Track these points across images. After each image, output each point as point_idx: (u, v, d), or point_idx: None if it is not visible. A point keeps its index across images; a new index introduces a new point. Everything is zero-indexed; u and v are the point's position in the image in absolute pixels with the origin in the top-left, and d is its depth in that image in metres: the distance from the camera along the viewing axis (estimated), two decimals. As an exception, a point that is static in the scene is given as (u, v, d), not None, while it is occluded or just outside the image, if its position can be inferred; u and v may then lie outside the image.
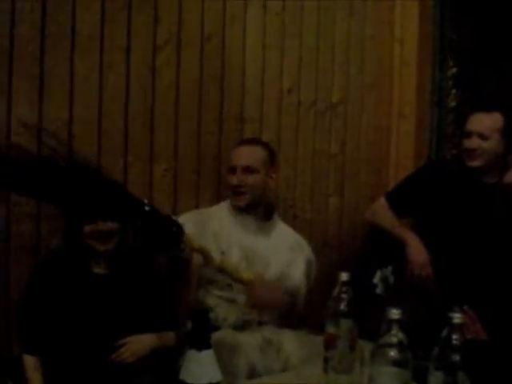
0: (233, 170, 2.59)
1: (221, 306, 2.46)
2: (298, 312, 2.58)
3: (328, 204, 3.44)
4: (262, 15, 3.07)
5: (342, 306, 1.75)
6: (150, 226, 2.12)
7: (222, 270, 2.36)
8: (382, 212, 2.96)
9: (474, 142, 2.79)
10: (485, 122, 2.80)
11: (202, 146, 2.87)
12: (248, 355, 2.23)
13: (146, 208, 2.10)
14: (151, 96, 2.69)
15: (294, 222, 3.16)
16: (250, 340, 2.32)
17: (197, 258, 2.33)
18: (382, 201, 3.01)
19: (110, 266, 2.26)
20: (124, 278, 2.26)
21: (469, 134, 2.82)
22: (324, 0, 3.32)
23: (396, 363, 1.51)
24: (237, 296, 2.46)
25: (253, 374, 2.21)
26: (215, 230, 2.55)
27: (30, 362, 2.15)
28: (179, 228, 2.17)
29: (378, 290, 2.80)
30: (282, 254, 2.60)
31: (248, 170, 2.57)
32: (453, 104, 3.75)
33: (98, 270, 2.26)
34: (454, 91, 3.74)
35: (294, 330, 2.46)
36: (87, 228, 2.19)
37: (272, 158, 2.67)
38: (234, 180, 2.57)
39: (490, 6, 3.57)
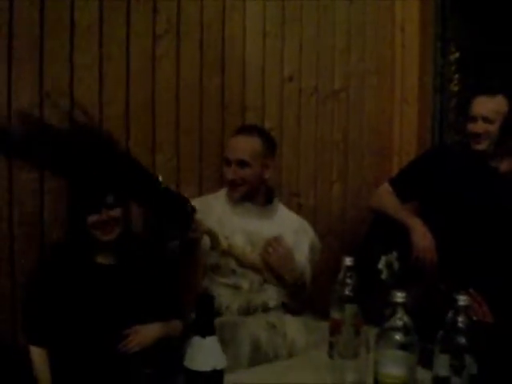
0: (227, 162, 2.57)
1: (224, 293, 2.47)
2: (304, 295, 2.58)
3: (332, 191, 3.43)
4: (261, 3, 3.05)
5: (347, 291, 1.75)
6: (165, 204, 2.15)
7: (229, 253, 2.37)
8: (386, 197, 2.96)
9: (479, 126, 2.78)
10: (489, 106, 2.78)
11: (203, 135, 2.86)
12: (251, 331, 2.24)
13: (162, 186, 2.15)
14: (151, 86, 2.68)
15: (298, 209, 3.15)
16: (255, 322, 2.33)
17: (205, 241, 2.36)
18: (386, 186, 3.01)
19: (114, 256, 2.26)
20: (129, 268, 2.26)
21: (473, 118, 2.81)
22: (323, -14, 3.31)
23: (401, 346, 1.51)
24: (241, 282, 2.47)
25: (257, 350, 2.21)
26: (218, 215, 2.55)
27: (36, 353, 2.16)
28: (192, 207, 2.21)
29: (383, 276, 2.80)
30: (286, 237, 2.59)
31: (242, 163, 2.54)
32: (455, 89, 3.74)
33: (102, 261, 2.26)
34: (456, 76, 3.73)
35: (299, 315, 2.47)
36: (91, 218, 2.18)
37: (269, 147, 2.63)
38: (228, 174, 2.56)
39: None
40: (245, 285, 2.47)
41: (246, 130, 2.64)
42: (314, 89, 3.30)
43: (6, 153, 2.23)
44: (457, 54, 3.71)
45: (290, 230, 2.64)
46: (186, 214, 2.20)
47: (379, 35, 3.63)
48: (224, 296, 2.46)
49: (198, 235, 2.29)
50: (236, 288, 2.47)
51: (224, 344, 2.09)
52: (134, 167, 2.21)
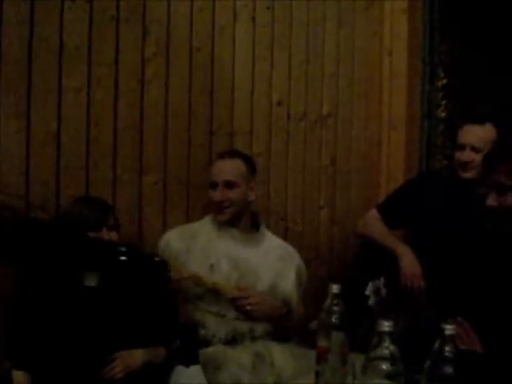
0: (214, 186, 2.57)
1: (210, 321, 2.44)
2: (293, 322, 2.56)
3: (319, 216, 3.42)
4: (251, 27, 3.06)
5: (334, 319, 1.73)
6: (133, 267, 2.15)
7: (215, 290, 2.37)
8: (373, 224, 2.95)
9: (466, 155, 2.78)
10: (478, 135, 2.79)
11: (191, 159, 2.85)
12: (233, 371, 2.21)
13: (123, 251, 2.13)
14: (140, 109, 2.67)
15: (285, 234, 3.14)
16: (240, 356, 2.30)
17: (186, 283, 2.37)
18: (374, 212, 3.00)
19: (101, 279, 2.24)
20: (115, 292, 2.23)
21: (462, 147, 2.81)
22: (313, 12, 3.33)
23: (388, 376, 1.49)
24: (225, 311, 2.45)
25: None
26: (203, 244, 2.54)
27: (19, 377, 2.12)
28: (162, 261, 2.21)
29: (370, 302, 2.79)
30: (271, 264, 2.58)
31: (229, 184, 2.55)
32: (443, 115, 3.76)
33: (88, 283, 2.23)
34: (443, 102, 3.75)
35: (287, 343, 2.45)
36: (90, 235, 2.17)
37: (252, 169, 2.66)
38: (216, 196, 2.56)
39: (479, 18, 3.58)
40: (230, 313, 2.44)
41: (228, 153, 2.67)
42: (302, 114, 3.31)
43: None
44: (444, 80, 3.73)
45: (276, 256, 2.62)
46: (158, 271, 2.19)
47: (368, 61, 3.66)
48: (210, 324, 2.43)
49: (178, 285, 2.31)
50: (221, 316, 2.45)
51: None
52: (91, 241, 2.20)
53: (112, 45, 2.58)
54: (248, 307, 2.39)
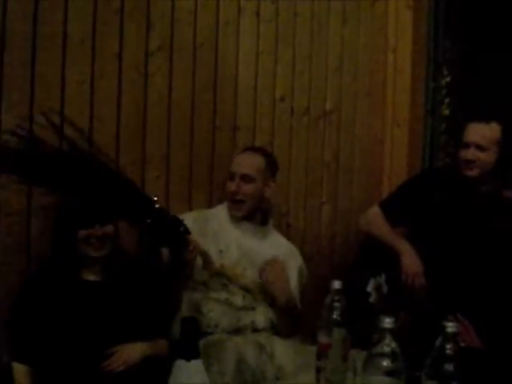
0: (232, 177, 2.63)
1: (215, 309, 2.45)
2: (295, 318, 2.57)
3: (321, 212, 3.42)
4: (255, 22, 3.06)
5: (335, 315, 1.73)
6: (159, 224, 2.17)
7: (221, 273, 2.42)
8: (375, 221, 2.95)
9: (471, 153, 2.77)
10: (483, 133, 2.77)
11: (194, 153, 2.85)
12: (238, 349, 2.23)
13: (156, 206, 2.16)
14: (143, 102, 2.67)
15: (287, 229, 3.14)
16: (242, 341, 2.31)
17: (197, 260, 2.38)
18: (376, 209, 3.00)
19: (102, 273, 2.24)
20: (115, 285, 2.24)
21: (466, 145, 2.79)
22: (318, 7, 3.32)
23: (389, 373, 1.49)
24: (233, 298, 2.47)
25: (243, 367, 2.19)
26: (214, 229, 2.59)
27: (19, 370, 2.12)
28: (186, 229, 2.23)
29: (372, 299, 2.79)
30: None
31: (245, 178, 2.60)
32: (446, 113, 3.75)
33: (89, 277, 2.23)
34: (447, 100, 3.74)
35: (288, 338, 2.45)
36: (83, 233, 2.16)
37: (272, 168, 2.71)
38: (231, 186, 2.61)
39: (484, 16, 3.58)
40: (237, 301, 2.47)
41: (252, 148, 2.76)
42: (305, 109, 3.30)
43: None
44: (448, 78, 3.73)
45: (281, 252, 2.64)
46: (179, 235, 2.21)
47: (372, 57, 3.65)
48: (214, 312, 2.45)
49: (193, 256, 2.31)
50: (228, 304, 2.46)
51: (209, 361, 2.09)
52: (126, 186, 2.20)
53: (116, 38, 2.57)
54: (271, 274, 2.45)
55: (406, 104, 3.75)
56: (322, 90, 3.39)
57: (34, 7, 2.33)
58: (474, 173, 2.78)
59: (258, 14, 3.06)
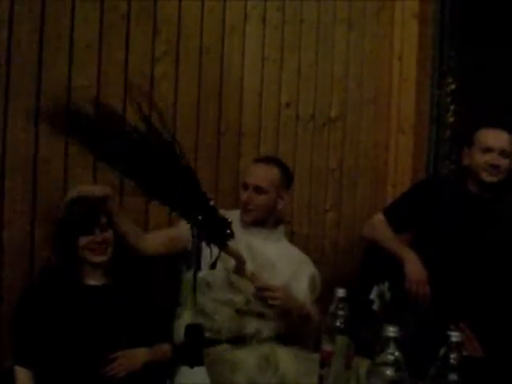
0: (245, 186, 2.63)
1: (219, 312, 2.44)
2: (310, 327, 2.51)
3: (325, 219, 3.42)
4: (261, 28, 3.06)
5: (339, 323, 1.73)
6: (209, 223, 2.10)
7: (250, 281, 2.36)
8: (379, 228, 2.94)
9: (496, 158, 2.75)
10: (506, 139, 2.77)
11: (199, 160, 2.85)
12: (247, 372, 2.21)
13: (211, 203, 2.10)
14: (149, 108, 2.66)
15: (291, 236, 3.13)
16: (248, 357, 2.29)
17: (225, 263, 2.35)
18: (380, 216, 2.99)
19: (104, 278, 2.24)
20: (118, 290, 2.24)
21: (489, 149, 2.77)
22: (324, 13, 3.32)
23: (392, 382, 1.49)
24: (236, 297, 2.45)
25: None
26: None
27: (22, 374, 2.12)
28: (231, 231, 2.16)
29: (375, 307, 2.78)
30: (288, 264, 2.60)
31: (258, 189, 2.59)
32: (451, 120, 3.75)
33: (91, 282, 2.23)
34: (452, 107, 3.74)
35: (292, 346, 2.43)
36: (83, 239, 2.17)
37: (287, 179, 2.70)
38: (243, 196, 2.61)
39: (489, 24, 3.58)
40: (240, 302, 2.45)
41: (267, 159, 2.72)
42: (310, 116, 3.30)
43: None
44: (453, 86, 3.73)
45: (291, 258, 2.64)
46: (224, 236, 2.15)
47: (377, 64, 3.65)
48: (219, 315, 2.43)
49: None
50: (231, 305, 2.45)
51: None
52: (187, 176, 2.12)
53: (122, 43, 2.58)
54: (273, 301, 2.36)
55: (410, 111, 3.75)
56: (327, 97, 3.39)
57: (41, 12, 2.34)
58: (495, 178, 2.76)
59: (264, 20, 3.06)
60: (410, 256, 2.76)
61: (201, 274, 2.39)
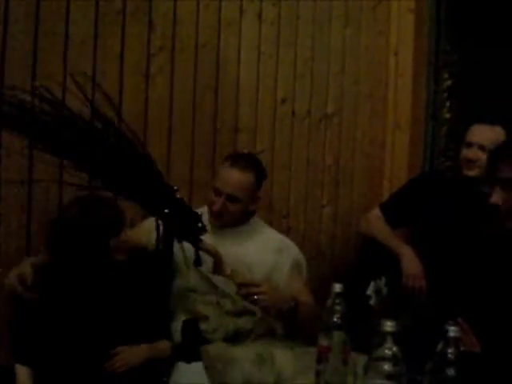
0: (217, 192, 2.46)
1: (211, 313, 2.40)
2: (303, 315, 2.40)
3: (322, 215, 3.42)
4: (257, 24, 3.06)
5: (335, 318, 1.72)
6: (177, 216, 2.02)
7: (231, 280, 2.28)
8: (376, 223, 2.95)
9: (473, 153, 2.79)
10: (487, 135, 2.79)
11: (195, 155, 2.84)
12: (243, 368, 2.19)
13: (177, 196, 2.02)
14: (144, 103, 2.66)
15: (287, 232, 3.13)
16: (243, 354, 2.28)
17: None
18: (377, 212, 3.00)
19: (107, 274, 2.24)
20: (117, 285, 2.23)
21: (469, 144, 2.82)
22: (320, 9, 3.32)
23: (390, 377, 1.49)
24: (221, 299, 2.41)
25: None
26: None
27: (22, 371, 2.11)
28: (203, 226, 2.09)
29: (372, 302, 2.78)
30: (265, 257, 2.50)
31: (232, 198, 2.44)
32: (447, 116, 3.75)
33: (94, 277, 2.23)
34: (448, 103, 3.74)
35: (288, 341, 2.43)
36: (114, 241, 2.17)
37: (261, 180, 2.54)
38: (215, 205, 2.44)
39: (485, 20, 3.58)
40: (227, 304, 2.41)
41: (240, 163, 2.49)
42: (306, 112, 3.30)
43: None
44: (449, 82, 3.73)
45: (270, 249, 2.54)
46: (195, 231, 2.07)
47: (373, 60, 3.65)
48: (212, 316, 2.41)
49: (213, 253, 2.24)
50: (219, 307, 2.40)
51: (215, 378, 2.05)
52: (149, 168, 2.03)
53: (117, 39, 2.57)
54: (256, 296, 2.27)
55: (407, 107, 3.76)
56: (323, 93, 3.39)
57: (36, 7, 2.33)
58: (473, 173, 2.79)
59: (259, 16, 3.06)
60: (407, 251, 2.77)
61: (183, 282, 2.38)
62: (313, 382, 1.77)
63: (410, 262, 2.74)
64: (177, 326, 2.27)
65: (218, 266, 2.26)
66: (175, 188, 2.04)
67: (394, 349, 1.49)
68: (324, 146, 3.41)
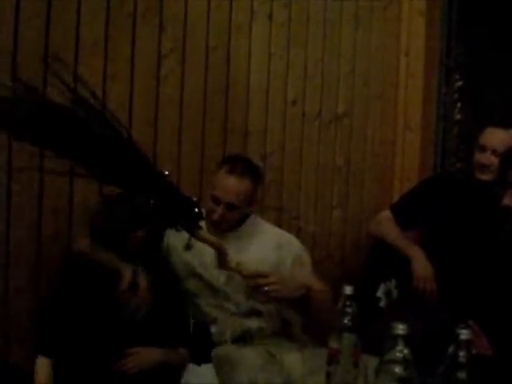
0: (215, 200, 2.42)
1: (217, 315, 2.38)
2: (316, 303, 2.37)
3: (332, 216, 3.41)
4: (267, 26, 3.05)
5: (346, 320, 1.72)
6: (169, 202, 1.95)
7: (238, 273, 2.23)
8: (386, 224, 2.94)
9: (487, 158, 2.76)
10: (501, 138, 2.76)
11: (205, 156, 2.84)
12: (250, 371, 2.18)
13: (167, 181, 1.96)
14: (155, 105, 2.67)
15: (297, 233, 3.12)
16: (251, 355, 2.27)
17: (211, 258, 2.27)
18: (387, 213, 2.99)
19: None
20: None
21: (483, 148, 2.78)
22: (330, 10, 3.31)
23: (401, 380, 1.48)
24: (224, 303, 2.40)
25: None
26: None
27: (43, 363, 2.12)
28: (200, 212, 2.00)
29: (382, 304, 2.78)
30: (265, 256, 2.47)
31: (231, 206, 2.41)
32: (458, 117, 3.74)
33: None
34: (459, 104, 3.73)
35: (298, 341, 2.42)
36: (140, 233, 2.18)
37: (258, 184, 2.51)
38: (214, 213, 2.40)
39: (497, 21, 3.57)
40: (231, 307, 2.39)
41: (238, 170, 2.45)
42: (317, 113, 3.30)
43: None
44: (460, 83, 3.72)
45: (271, 246, 2.51)
46: (191, 217, 1.96)
47: (384, 61, 3.65)
48: (220, 318, 2.40)
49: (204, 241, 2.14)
50: (224, 309, 2.40)
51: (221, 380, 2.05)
52: (135, 154, 1.98)
53: (128, 41, 2.57)
54: (266, 288, 2.24)
55: (417, 108, 3.75)
56: (333, 94, 3.38)
57: (47, 9, 2.33)
58: (487, 177, 2.76)
59: (270, 17, 3.06)
60: (417, 253, 2.76)
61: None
62: (322, 383, 1.76)
63: (421, 264, 2.73)
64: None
65: (223, 260, 2.17)
66: (166, 173, 1.97)
67: (405, 352, 1.49)
68: (334, 147, 3.41)
